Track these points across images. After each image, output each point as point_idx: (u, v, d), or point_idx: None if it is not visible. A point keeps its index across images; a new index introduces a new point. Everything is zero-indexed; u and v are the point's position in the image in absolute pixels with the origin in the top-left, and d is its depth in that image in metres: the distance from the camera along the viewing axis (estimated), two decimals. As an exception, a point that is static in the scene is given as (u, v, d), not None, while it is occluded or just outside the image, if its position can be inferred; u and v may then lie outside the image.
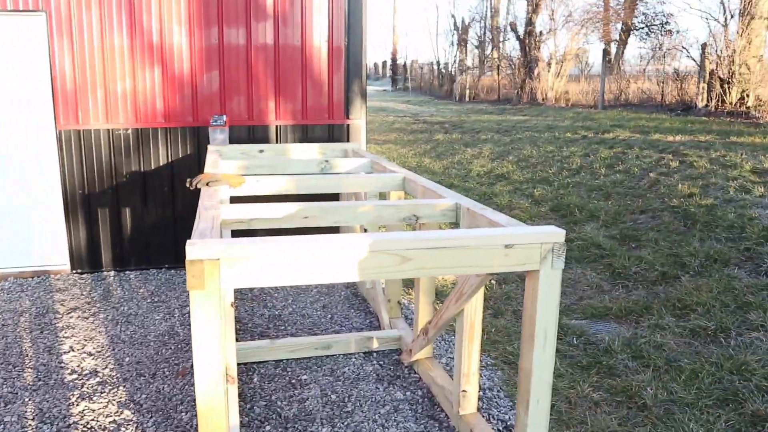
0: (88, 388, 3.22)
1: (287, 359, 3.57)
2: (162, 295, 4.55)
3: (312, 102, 5.06)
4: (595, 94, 14.29)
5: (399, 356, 3.60)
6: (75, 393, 3.17)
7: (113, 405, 3.06)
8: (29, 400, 3.09)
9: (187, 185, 3.14)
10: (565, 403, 3.16)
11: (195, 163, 4.92)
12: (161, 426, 2.88)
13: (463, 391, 2.81)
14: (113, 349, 3.69)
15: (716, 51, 11.14)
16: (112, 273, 4.97)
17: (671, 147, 8.03)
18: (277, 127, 5.04)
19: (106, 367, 3.46)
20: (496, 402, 3.14)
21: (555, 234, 2.07)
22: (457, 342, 2.80)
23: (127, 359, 3.57)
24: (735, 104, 10.34)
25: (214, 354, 1.84)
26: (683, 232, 5.76)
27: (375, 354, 3.65)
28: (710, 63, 11.26)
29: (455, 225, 2.72)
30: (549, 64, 17.00)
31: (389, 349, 3.71)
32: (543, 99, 16.28)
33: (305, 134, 5.11)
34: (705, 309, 4.24)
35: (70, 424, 2.88)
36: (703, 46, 11.64)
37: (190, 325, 4.03)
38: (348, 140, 5.21)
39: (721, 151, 7.41)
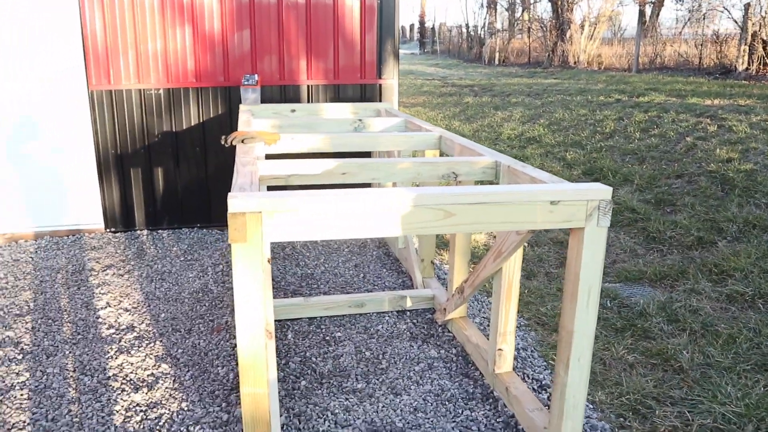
0: (125, 342, 3.29)
1: (321, 317, 3.60)
2: (195, 254, 4.60)
3: (344, 62, 4.98)
4: (629, 57, 13.86)
5: (432, 315, 3.60)
6: (113, 347, 3.24)
7: (150, 359, 3.12)
8: (69, 353, 3.17)
9: (222, 142, 3.12)
10: (599, 365, 3.13)
11: (226, 123, 4.91)
12: (198, 379, 2.93)
13: (499, 349, 2.79)
14: (149, 306, 3.75)
15: (761, 12, 10.65)
16: (145, 232, 5.04)
17: (709, 111, 7.78)
18: (308, 86, 4.98)
19: (142, 323, 3.52)
20: (530, 362, 3.13)
21: (601, 191, 2.01)
22: (494, 301, 2.78)
23: (163, 315, 3.63)
24: (777, 66, 9.95)
25: (256, 307, 1.84)
26: (721, 197, 5.61)
27: (408, 313, 3.66)
28: (753, 25, 10.81)
29: (494, 183, 2.67)
30: (582, 27, 16.49)
31: (422, 308, 3.71)
32: (575, 62, 15.86)
33: (337, 94, 5.05)
34: (743, 275, 4.14)
35: (109, 377, 2.94)
36: (746, 6, 11.16)
37: (223, 282, 4.08)
38: (380, 100, 5.14)
39: (762, 115, 7.15)
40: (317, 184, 2.56)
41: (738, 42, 10.91)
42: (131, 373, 2.98)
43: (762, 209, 5.15)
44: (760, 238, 4.66)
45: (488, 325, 3.51)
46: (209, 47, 4.75)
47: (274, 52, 4.85)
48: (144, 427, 2.56)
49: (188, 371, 3.01)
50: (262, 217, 1.77)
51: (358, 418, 2.64)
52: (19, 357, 3.12)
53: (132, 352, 3.18)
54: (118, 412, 2.66)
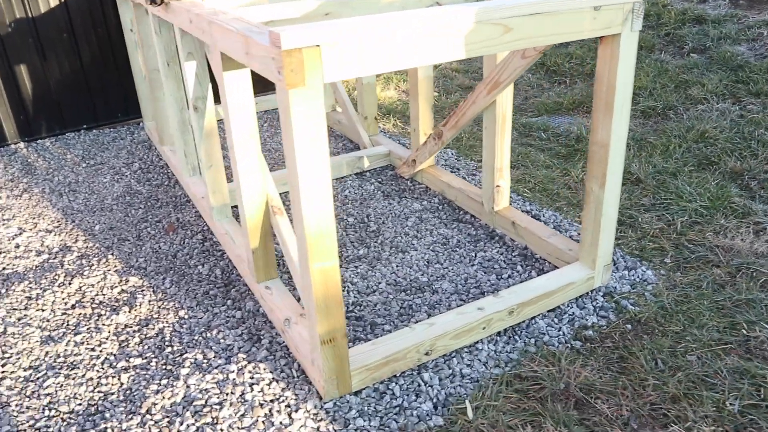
0: (70, 264, 2.79)
1: (281, 193, 3.30)
2: (96, 158, 3.95)
3: None
4: None
5: (395, 171, 3.45)
6: (58, 273, 2.73)
7: (112, 275, 2.69)
8: (5, 292, 2.62)
9: (148, 2, 2.53)
10: (565, 189, 3.23)
11: (95, 0, 4.06)
12: (180, 284, 2.59)
13: (497, 186, 2.75)
14: (73, 221, 3.19)
15: None
16: (21, 145, 4.20)
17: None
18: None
19: (76, 241, 3.00)
20: (512, 197, 3.14)
21: (635, -11, 1.90)
22: (487, 137, 2.67)
23: (97, 227, 3.11)
24: None
25: (322, 169, 1.56)
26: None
27: (367, 174, 3.47)
28: None
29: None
30: None
31: (380, 166, 3.54)
32: None
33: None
34: (648, 92, 4.42)
35: (73, 305, 2.50)
36: None
37: (147, 181, 3.56)
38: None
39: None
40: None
41: None
42: (97, 295, 2.55)
43: (643, 31, 5.46)
44: (650, 57, 4.97)
45: (456, 170, 3.45)
46: None
47: None
48: (150, 346, 2.23)
49: (164, 278, 2.64)
50: (321, 52, 1.44)
51: (380, 282, 2.51)
52: (-60, 307, 2.53)
53: (85, 273, 2.71)
54: (108, 339, 2.28)
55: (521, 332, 2.19)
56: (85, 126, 4.33)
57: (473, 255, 2.66)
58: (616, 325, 2.21)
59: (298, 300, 2.38)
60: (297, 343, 2.03)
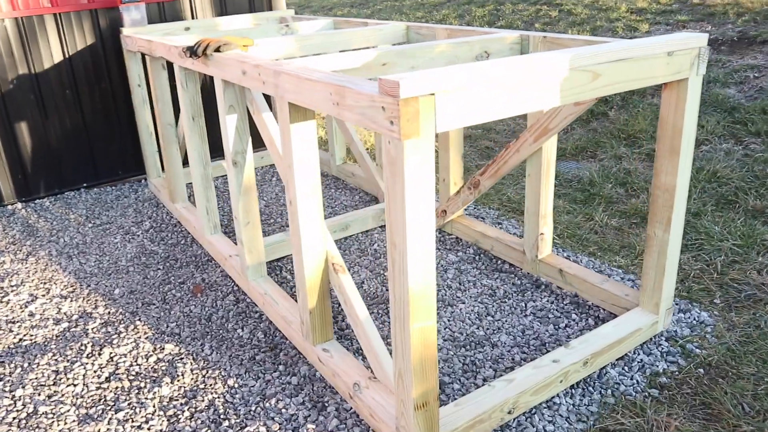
0: (95, 332, 2.60)
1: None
2: (101, 217, 3.77)
3: (225, -36, 4.24)
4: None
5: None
6: (84, 342, 2.54)
7: (144, 342, 2.51)
8: (28, 366, 2.41)
9: (186, 55, 2.46)
10: (593, 234, 3.23)
11: (98, 55, 3.95)
12: (221, 350, 2.43)
13: (541, 234, 2.71)
14: (88, 285, 3.00)
15: None
16: (19, 205, 3.98)
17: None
18: (190, 1, 4.18)
19: (96, 306, 2.81)
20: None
21: (701, 38, 1.94)
22: (531, 184, 2.66)
23: (117, 291, 2.93)
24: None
25: (431, 219, 1.49)
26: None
27: (394, 228, 3.40)
28: None
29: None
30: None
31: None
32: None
33: (223, 7, 4.32)
34: (649, 135, 4.54)
35: (108, 377, 2.31)
36: None
37: (161, 240, 3.41)
38: (271, 9, 4.52)
39: (594, -6, 7.75)
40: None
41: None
42: (132, 366, 2.37)
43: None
44: (643, 102, 5.13)
45: (481, 219, 3.41)
46: (53, -43, 3.70)
47: (140, -43, 3.94)
48: (204, 420, 2.05)
49: (202, 344, 2.48)
50: (435, 101, 1.39)
51: (437, 337, 2.41)
52: (-45, 387, 2.30)
53: (114, 342, 2.53)
54: (155, 415, 2.10)
55: (594, 383, 2.12)
56: (85, 184, 4.15)
57: (524, 305, 2.60)
58: (689, 370, 2.16)
59: (364, 361, 2.25)
60: (372, 410, 1.90)
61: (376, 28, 3.00)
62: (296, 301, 2.63)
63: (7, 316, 2.78)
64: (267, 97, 4.46)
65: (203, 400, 2.15)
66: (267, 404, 2.10)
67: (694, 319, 2.42)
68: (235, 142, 2.46)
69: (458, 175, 3.14)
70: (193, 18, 4.22)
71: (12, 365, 2.41)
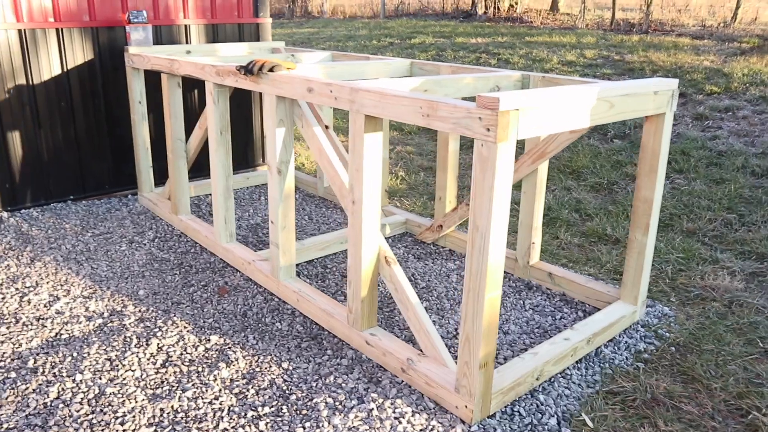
0: (134, 327, 2.74)
1: (316, 258, 3.48)
2: (99, 227, 3.84)
3: (220, -4, 4.53)
4: (370, 5, 14.92)
5: (416, 237, 3.78)
6: (127, 334, 2.67)
7: (189, 335, 2.69)
8: (78, 354, 2.51)
9: (241, 73, 2.75)
10: (561, 250, 3.76)
11: (95, 71, 4.08)
12: (266, 341, 2.66)
13: (532, 243, 3.19)
14: (108, 287, 3.11)
15: None
16: (5, 214, 3.95)
17: (480, 48, 9.08)
18: (185, 27, 4.42)
19: (125, 306, 2.94)
20: (526, 255, 3.58)
21: (673, 82, 2.52)
22: (525, 201, 3.13)
23: (141, 292, 3.07)
24: (507, 11, 11.98)
25: (507, 207, 1.89)
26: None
27: (389, 240, 3.77)
28: None
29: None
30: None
31: (398, 233, 3.85)
32: (318, 12, 16.31)
33: (215, 34, 4.59)
34: (590, 171, 5.23)
35: (164, 363, 2.47)
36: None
37: (170, 249, 3.56)
38: (258, 40, 4.84)
39: (525, 49, 8.67)
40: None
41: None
42: (183, 354, 2.55)
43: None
44: (581, 143, 5.87)
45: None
46: (62, -24, 3.85)
47: (144, -17, 4.16)
48: (272, 395, 2.29)
49: (245, 336, 2.70)
50: (519, 115, 1.81)
51: (456, 327, 2.78)
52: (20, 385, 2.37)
53: (158, 334, 2.68)
54: (222, 393, 2.31)
55: (594, 359, 2.57)
56: (72, 197, 4.19)
57: (522, 302, 3.04)
58: (663, 348, 2.67)
59: (408, 341, 2.56)
60: (429, 377, 2.24)
61: (386, 62, 3.43)
62: (330, 296, 2.91)
63: (33, 313, 2.84)
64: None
65: (263, 381, 2.38)
66: (327, 380, 2.37)
67: (659, 312, 2.96)
68: (282, 152, 2.76)
69: (453, 194, 3.58)
70: (187, 42, 4.45)
71: (60, 355, 2.51)
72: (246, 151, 4.93)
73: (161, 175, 4.40)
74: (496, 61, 8.28)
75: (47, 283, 3.14)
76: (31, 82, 3.85)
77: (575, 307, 3.00)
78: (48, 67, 3.89)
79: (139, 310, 2.90)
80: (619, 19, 10.86)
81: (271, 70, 2.69)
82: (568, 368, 2.50)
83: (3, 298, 2.97)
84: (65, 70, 3.96)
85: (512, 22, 11.52)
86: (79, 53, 3.99)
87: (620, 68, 6.99)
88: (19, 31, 3.74)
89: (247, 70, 2.72)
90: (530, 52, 8.45)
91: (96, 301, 2.98)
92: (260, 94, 4.87)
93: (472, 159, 5.84)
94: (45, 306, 2.91)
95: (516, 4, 11.97)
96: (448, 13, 13.22)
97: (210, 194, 4.57)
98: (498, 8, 11.97)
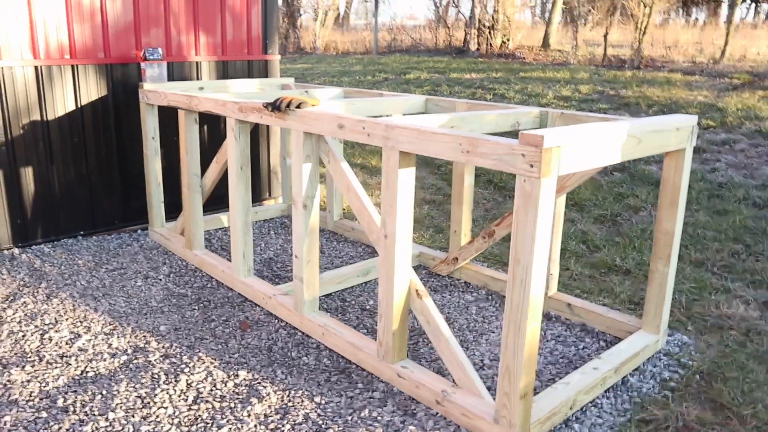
0: (160, 363, 2.72)
1: (334, 292, 3.49)
2: (112, 263, 3.82)
3: (231, 36, 4.61)
4: (363, 42, 15.22)
5: (431, 269, 3.81)
6: (154, 371, 2.64)
7: (216, 370, 2.67)
8: (108, 393, 2.48)
9: (268, 109, 2.80)
10: (572, 281, 3.81)
11: (108, 107, 4.12)
12: (293, 374, 2.66)
13: (551, 274, 3.23)
14: (128, 323, 3.09)
15: (481, 3, 12.95)
16: (16, 250, 3.92)
17: (476, 83, 9.28)
18: (196, 63, 4.49)
19: (148, 342, 2.92)
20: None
21: (693, 119, 2.61)
22: (544, 233, 3.19)
23: (162, 327, 3.05)
24: (500, 47, 12.29)
25: (548, 239, 1.93)
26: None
27: (404, 273, 3.79)
28: (479, 14, 13.03)
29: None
30: (315, 15, 17.28)
31: (413, 266, 3.88)
32: (311, 49, 16.58)
33: (225, 71, 4.66)
34: (593, 203, 5.34)
35: (195, 400, 2.45)
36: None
37: (186, 284, 3.55)
38: (267, 77, 4.92)
39: (520, 84, 8.87)
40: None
41: (468, 27, 13.06)
42: (213, 390, 2.53)
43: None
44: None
45: (483, 265, 3.89)
46: (87, 17, 3.91)
47: (159, 24, 4.24)
48: (308, 430, 2.27)
49: (273, 370, 2.68)
50: (561, 152, 1.88)
51: (482, 359, 2.80)
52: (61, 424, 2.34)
53: (185, 371, 2.66)
54: (258, 428, 2.29)
55: (621, 388, 2.60)
56: (82, 232, 4.17)
57: (544, 332, 3.07)
58: (688, 376, 2.70)
59: (437, 373, 2.56)
60: (466, 409, 2.24)
61: (403, 98, 3.51)
62: (354, 329, 2.91)
63: (56, 351, 2.81)
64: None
65: (297, 415, 2.37)
66: (362, 414, 2.36)
67: (679, 341, 3.01)
68: (308, 187, 2.80)
69: (468, 227, 3.63)
70: (198, 78, 4.51)
71: (89, 393, 2.48)
72: (253, 185, 4.96)
73: (168, 210, 4.41)
74: (492, 96, 8.45)
75: (66, 320, 3.11)
76: (45, 118, 3.87)
77: (597, 337, 3.04)
78: (62, 102, 3.92)
79: (163, 346, 2.87)
80: (610, 56, 11.19)
81: (298, 106, 2.75)
82: (597, 397, 2.52)
83: (24, 336, 2.93)
84: (79, 105, 3.99)
85: (505, 58, 11.82)
86: (93, 89, 4.03)
87: (616, 103, 7.18)
88: (36, 67, 3.78)
89: (275, 107, 2.77)
90: (525, 87, 8.65)
91: (118, 337, 2.95)
92: (268, 128, 4.93)
93: (486, 193, 5.86)
94: (67, 343, 2.88)
95: (508, 40, 12.31)
96: (441, 49, 13.54)
97: (220, 228, 4.58)
98: (490, 45, 12.29)
